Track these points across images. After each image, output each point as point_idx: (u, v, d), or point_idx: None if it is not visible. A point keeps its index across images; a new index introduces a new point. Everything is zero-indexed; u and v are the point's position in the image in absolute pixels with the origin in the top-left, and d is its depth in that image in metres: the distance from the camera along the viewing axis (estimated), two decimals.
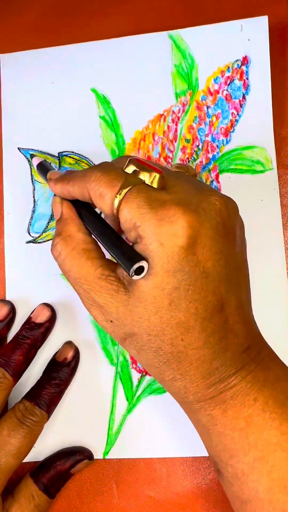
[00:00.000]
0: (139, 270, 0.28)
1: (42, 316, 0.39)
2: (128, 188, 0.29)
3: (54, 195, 0.35)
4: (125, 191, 0.29)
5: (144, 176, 0.29)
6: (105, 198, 0.29)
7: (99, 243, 0.32)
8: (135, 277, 0.28)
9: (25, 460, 0.36)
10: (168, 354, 0.29)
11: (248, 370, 0.30)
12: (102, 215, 0.34)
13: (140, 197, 0.28)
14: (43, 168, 0.38)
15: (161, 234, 0.27)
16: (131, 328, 0.29)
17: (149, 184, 0.29)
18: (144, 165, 0.30)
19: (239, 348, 0.30)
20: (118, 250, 0.29)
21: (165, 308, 0.28)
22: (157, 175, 0.29)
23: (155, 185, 0.29)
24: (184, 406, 0.32)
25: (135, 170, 0.30)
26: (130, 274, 0.28)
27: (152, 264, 0.28)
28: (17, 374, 0.37)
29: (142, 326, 0.29)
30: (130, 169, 0.30)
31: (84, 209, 0.33)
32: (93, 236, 0.33)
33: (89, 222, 0.33)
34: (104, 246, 0.31)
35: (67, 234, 0.32)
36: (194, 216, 0.28)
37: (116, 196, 0.29)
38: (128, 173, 0.30)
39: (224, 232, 0.29)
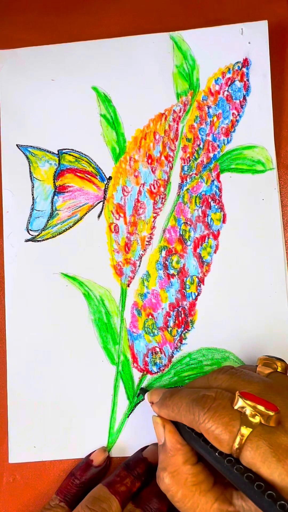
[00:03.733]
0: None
1: None
2: (249, 432, 0.27)
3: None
4: (245, 435, 0.27)
5: (259, 415, 0.28)
6: (222, 441, 0.28)
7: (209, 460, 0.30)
8: None
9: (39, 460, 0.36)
10: None
11: None
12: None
13: (261, 442, 0.27)
14: (143, 391, 0.38)
15: None
16: None
17: (265, 423, 0.28)
18: (254, 401, 0.28)
19: None
20: (250, 489, 0.27)
21: None
22: (273, 415, 0.28)
23: (272, 423, 0.28)
24: None
25: (245, 409, 0.28)
26: None
27: None
28: None
29: None
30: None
31: (187, 432, 0.31)
32: (199, 462, 0.31)
33: (198, 447, 0.30)
34: (223, 473, 0.29)
35: (174, 469, 0.31)
36: None
37: (235, 439, 0.28)
38: (240, 412, 0.28)
39: None
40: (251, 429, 0.28)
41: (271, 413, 0.28)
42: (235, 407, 0.29)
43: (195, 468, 0.31)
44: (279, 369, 0.33)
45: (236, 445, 0.28)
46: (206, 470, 0.31)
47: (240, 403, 0.29)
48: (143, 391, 0.38)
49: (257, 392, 0.29)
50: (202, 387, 0.32)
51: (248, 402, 0.28)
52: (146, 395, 0.36)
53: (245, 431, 0.28)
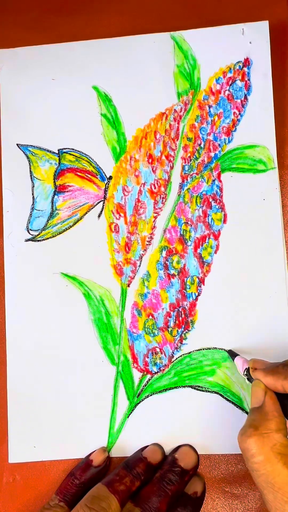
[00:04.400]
0: None
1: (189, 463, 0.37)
2: None
3: (252, 379, 0.34)
4: None
5: None
6: None
7: None
8: None
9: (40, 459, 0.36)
10: None
11: None
12: None
13: None
14: (231, 353, 0.38)
15: None
16: None
17: None
18: None
19: None
20: None
21: None
22: None
23: None
24: None
25: None
26: None
27: None
28: None
29: None
30: None
31: None
32: None
33: None
34: None
35: (266, 432, 0.31)
36: None
37: None
38: None
39: None
40: None
41: None
42: None
43: (286, 441, 0.31)
44: None
45: None
46: None
47: None
48: (232, 354, 0.38)
49: None
50: None
51: None
52: (238, 359, 0.37)
53: None
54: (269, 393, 0.33)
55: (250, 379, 0.35)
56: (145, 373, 0.39)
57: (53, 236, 0.41)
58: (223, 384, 0.39)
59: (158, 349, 0.40)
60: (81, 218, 0.41)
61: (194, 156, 0.41)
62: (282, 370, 0.32)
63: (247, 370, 0.35)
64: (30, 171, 0.42)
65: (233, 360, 0.38)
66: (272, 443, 0.30)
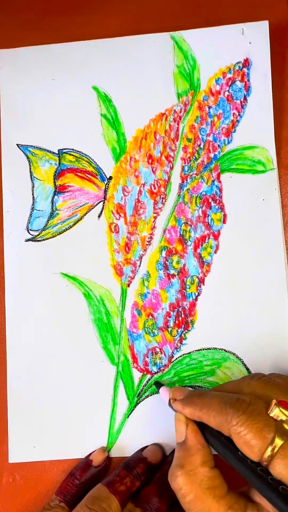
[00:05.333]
0: None
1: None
2: (282, 442, 0.27)
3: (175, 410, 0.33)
4: (279, 444, 0.27)
5: None
6: (254, 447, 0.27)
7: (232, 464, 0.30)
8: None
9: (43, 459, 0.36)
10: None
11: None
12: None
13: None
14: (157, 384, 0.37)
15: None
16: None
17: None
18: None
19: None
20: (269, 491, 0.27)
21: None
22: None
23: None
24: None
25: (280, 418, 0.28)
26: None
27: None
28: None
29: None
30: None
31: (211, 434, 0.31)
32: (216, 467, 0.31)
33: (219, 448, 0.30)
34: (242, 475, 0.29)
35: (191, 468, 0.30)
36: None
37: (267, 447, 0.27)
38: (276, 420, 0.28)
39: None
40: (286, 438, 0.27)
41: None
42: (271, 415, 0.28)
43: (213, 472, 0.30)
44: None
45: (268, 453, 0.27)
46: (222, 476, 0.31)
47: (275, 411, 0.28)
48: (158, 385, 0.37)
49: None
50: (233, 392, 0.32)
51: (285, 411, 0.28)
52: (162, 389, 0.36)
53: (279, 440, 0.27)
54: (190, 426, 0.32)
55: (172, 408, 0.34)
56: (145, 373, 0.40)
57: (53, 236, 0.41)
58: None
59: (158, 349, 0.40)
60: (81, 219, 0.41)
61: (194, 157, 0.41)
62: (197, 401, 0.32)
63: (169, 402, 0.34)
64: (30, 171, 0.42)
65: (158, 391, 0.36)
66: (200, 479, 0.30)
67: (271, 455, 0.27)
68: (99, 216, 0.41)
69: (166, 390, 0.35)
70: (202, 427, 0.32)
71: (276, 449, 0.27)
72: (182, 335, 0.40)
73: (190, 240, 0.40)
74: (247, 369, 0.39)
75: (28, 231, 0.42)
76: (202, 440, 0.31)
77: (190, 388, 0.34)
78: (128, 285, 0.40)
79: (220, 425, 0.30)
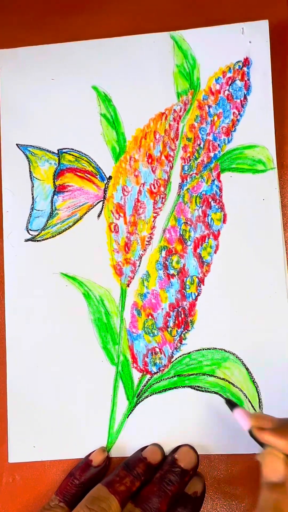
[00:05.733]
0: None
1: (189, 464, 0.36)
2: None
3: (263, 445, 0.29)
4: None
5: None
6: None
7: None
8: None
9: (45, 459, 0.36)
10: None
11: None
12: None
13: None
14: (230, 403, 0.33)
15: None
16: None
17: None
18: None
19: None
20: None
21: None
22: None
23: None
24: None
25: None
26: None
27: None
28: None
29: None
30: None
31: None
32: None
33: None
34: None
35: None
36: None
37: None
38: None
39: None
40: None
41: None
42: None
43: None
44: None
45: None
46: None
47: None
48: (231, 404, 0.33)
49: None
50: None
51: None
52: (239, 411, 0.31)
53: None
54: None
55: (256, 439, 0.30)
56: (144, 373, 0.39)
57: (53, 236, 0.41)
58: (223, 384, 0.39)
59: (157, 349, 0.40)
60: (80, 218, 0.41)
61: (194, 156, 0.41)
62: None
63: (251, 431, 0.30)
64: (30, 171, 0.42)
65: (232, 410, 0.32)
66: None
67: None
68: (98, 216, 0.41)
69: (244, 414, 0.31)
70: None
71: None
72: (182, 335, 0.39)
73: (190, 240, 0.40)
74: (247, 369, 0.39)
75: (27, 231, 0.42)
76: None
77: (271, 416, 0.30)
78: (128, 285, 0.40)
79: None
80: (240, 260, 0.40)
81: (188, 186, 0.41)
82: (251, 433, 0.29)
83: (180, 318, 0.40)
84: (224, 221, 0.40)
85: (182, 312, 0.40)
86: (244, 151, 0.40)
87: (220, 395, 0.38)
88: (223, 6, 0.43)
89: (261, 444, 0.29)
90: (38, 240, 0.41)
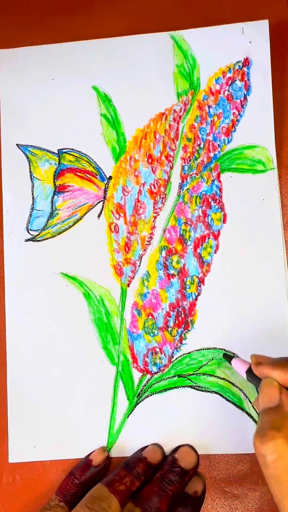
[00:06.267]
0: None
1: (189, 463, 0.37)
2: None
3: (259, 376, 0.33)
4: None
5: None
6: None
7: None
8: None
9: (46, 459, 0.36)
10: None
11: None
12: None
13: None
14: (227, 356, 0.38)
15: None
16: None
17: None
18: None
19: None
20: None
21: None
22: None
23: None
24: None
25: None
26: None
27: None
28: None
29: None
30: None
31: None
32: None
33: None
34: None
35: None
36: None
37: None
38: None
39: None
40: None
41: None
42: None
43: None
44: None
45: None
46: None
47: None
48: (228, 357, 0.37)
49: None
50: None
51: None
52: (236, 360, 0.35)
53: None
54: (285, 391, 0.30)
55: (252, 380, 0.34)
56: (144, 373, 0.40)
57: (53, 236, 0.41)
58: (223, 384, 0.39)
59: (158, 349, 0.40)
60: (81, 218, 0.41)
61: (194, 156, 0.41)
62: None
63: (249, 369, 0.34)
64: (30, 171, 0.42)
65: (230, 362, 0.37)
66: None
67: None
68: (98, 216, 0.41)
69: (241, 361, 0.35)
70: None
71: None
72: (182, 335, 0.39)
73: (190, 240, 0.40)
74: None
75: (28, 231, 0.42)
76: None
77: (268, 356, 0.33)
78: (128, 285, 0.40)
79: None
80: (240, 260, 0.40)
81: (188, 186, 0.41)
82: (249, 375, 0.33)
83: (180, 318, 0.40)
84: (224, 221, 0.40)
85: (182, 312, 0.40)
86: (244, 151, 0.40)
87: (220, 394, 0.39)
88: (223, 6, 0.43)
89: (254, 382, 0.33)
90: (38, 240, 0.41)
